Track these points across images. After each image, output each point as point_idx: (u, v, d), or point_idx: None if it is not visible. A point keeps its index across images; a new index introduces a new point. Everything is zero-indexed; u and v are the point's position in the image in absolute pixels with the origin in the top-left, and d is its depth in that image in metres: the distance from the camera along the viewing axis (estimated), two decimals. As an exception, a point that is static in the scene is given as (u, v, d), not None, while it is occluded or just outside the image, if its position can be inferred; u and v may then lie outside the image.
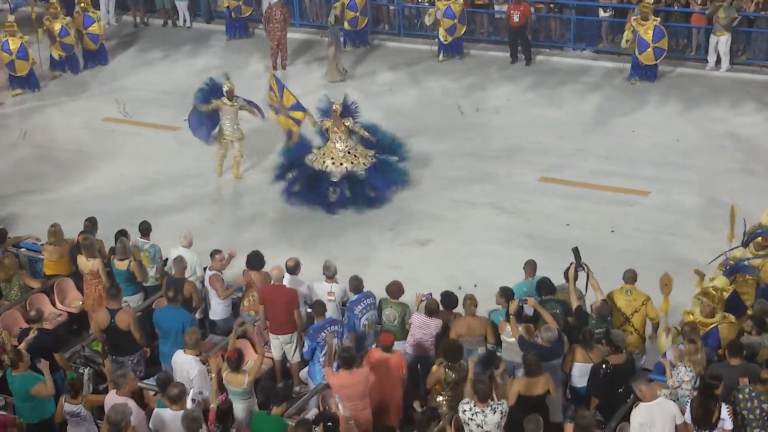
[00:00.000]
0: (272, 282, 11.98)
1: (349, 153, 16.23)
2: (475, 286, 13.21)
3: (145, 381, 11.23)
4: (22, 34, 21.36)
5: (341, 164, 16.15)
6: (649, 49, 20.19)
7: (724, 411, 9.65)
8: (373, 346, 11.36)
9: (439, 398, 10.61)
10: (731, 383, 9.89)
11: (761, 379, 9.76)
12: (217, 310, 12.53)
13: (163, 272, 13.00)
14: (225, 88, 16.83)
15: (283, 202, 16.40)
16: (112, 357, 11.58)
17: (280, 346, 11.86)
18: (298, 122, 16.53)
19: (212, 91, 16.99)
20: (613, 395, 10.46)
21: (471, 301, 11.30)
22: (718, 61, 20.80)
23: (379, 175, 16.32)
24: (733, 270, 11.82)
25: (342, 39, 22.37)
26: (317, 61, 22.60)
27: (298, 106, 16.51)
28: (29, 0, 23.59)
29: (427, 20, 22.17)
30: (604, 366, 10.41)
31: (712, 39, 20.63)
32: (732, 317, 11.10)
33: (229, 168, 17.46)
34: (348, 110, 16.49)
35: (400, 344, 11.31)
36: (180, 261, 12.38)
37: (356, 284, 11.78)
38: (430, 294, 11.51)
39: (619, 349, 10.47)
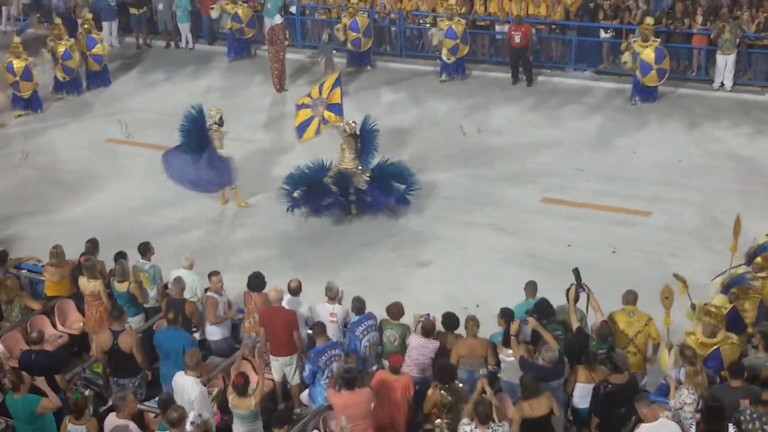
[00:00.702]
0: (271, 303, 11.97)
1: (359, 169, 16.40)
2: (477, 306, 13.21)
3: (146, 403, 11.19)
4: (27, 55, 21.50)
5: (358, 169, 16.30)
6: (653, 71, 20.23)
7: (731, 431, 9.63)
8: (374, 368, 11.35)
9: (438, 421, 10.56)
10: (732, 405, 9.85)
11: (762, 400, 9.71)
12: (212, 331, 12.49)
13: (163, 293, 13.00)
14: (214, 114, 16.55)
15: (287, 211, 16.39)
16: (114, 379, 11.58)
17: (280, 367, 11.83)
18: (326, 122, 16.72)
19: (196, 125, 16.39)
20: (614, 415, 10.42)
21: (473, 322, 11.27)
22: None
23: (379, 188, 16.37)
24: (733, 284, 11.79)
25: (334, 58, 22.36)
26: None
27: (338, 109, 16.72)
28: (32, 21, 23.72)
29: (434, 40, 22.24)
30: (604, 384, 10.39)
31: (720, 58, 20.69)
32: (735, 337, 11.06)
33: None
34: (363, 132, 16.55)
35: (401, 365, 11.29)
36: (179, 282, 12.36)
37: (359, 305, 11.76)
38: (428, 314, 11.49)
39: (620, 370, 10.44)
